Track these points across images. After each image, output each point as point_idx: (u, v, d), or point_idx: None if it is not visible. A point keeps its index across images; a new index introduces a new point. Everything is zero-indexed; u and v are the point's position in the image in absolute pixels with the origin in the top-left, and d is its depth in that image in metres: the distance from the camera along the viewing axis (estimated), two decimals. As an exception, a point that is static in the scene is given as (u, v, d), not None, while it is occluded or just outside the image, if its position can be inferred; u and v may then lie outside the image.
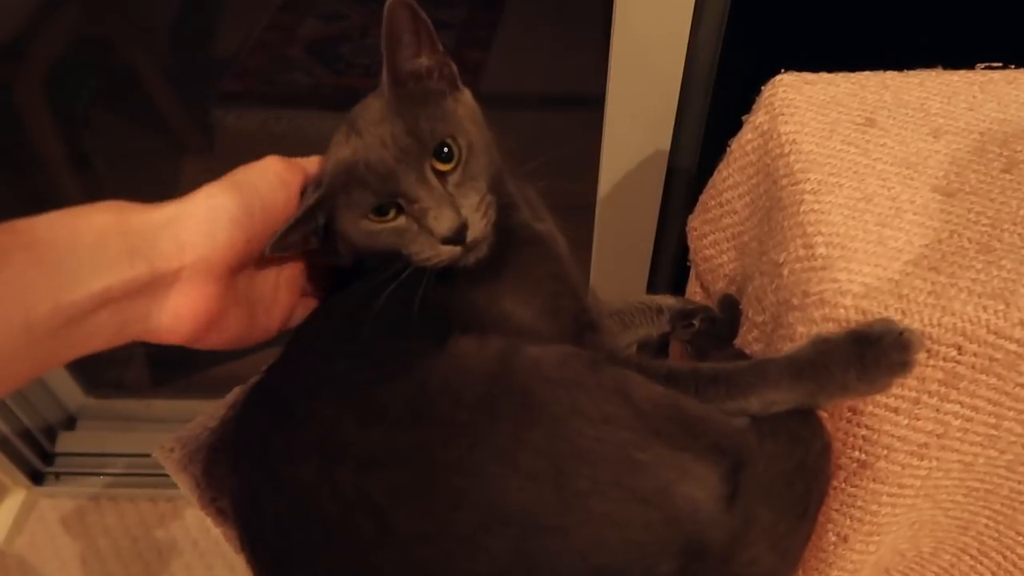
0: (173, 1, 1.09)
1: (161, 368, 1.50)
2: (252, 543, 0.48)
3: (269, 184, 0.50)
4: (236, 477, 0.50)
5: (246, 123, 1.22)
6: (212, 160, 1.26)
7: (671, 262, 0.96)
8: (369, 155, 0.50)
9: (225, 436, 0.55)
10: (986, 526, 0.61)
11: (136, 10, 1.08)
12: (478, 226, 0.51)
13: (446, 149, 0.51)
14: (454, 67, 0.55)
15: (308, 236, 0.53)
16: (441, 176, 0.50)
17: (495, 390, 0.46)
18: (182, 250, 0.45)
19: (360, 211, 0.51)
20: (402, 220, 0.51)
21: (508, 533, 0.41)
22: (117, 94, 1.18)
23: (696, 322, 0.68)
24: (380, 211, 0.51)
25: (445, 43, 0.54)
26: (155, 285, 0.44)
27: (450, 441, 0.44)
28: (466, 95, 0.56)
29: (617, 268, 0.95)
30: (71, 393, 1.47)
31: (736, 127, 0.67)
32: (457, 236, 0.50)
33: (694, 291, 0.76)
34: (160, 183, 1.24)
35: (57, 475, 1.43)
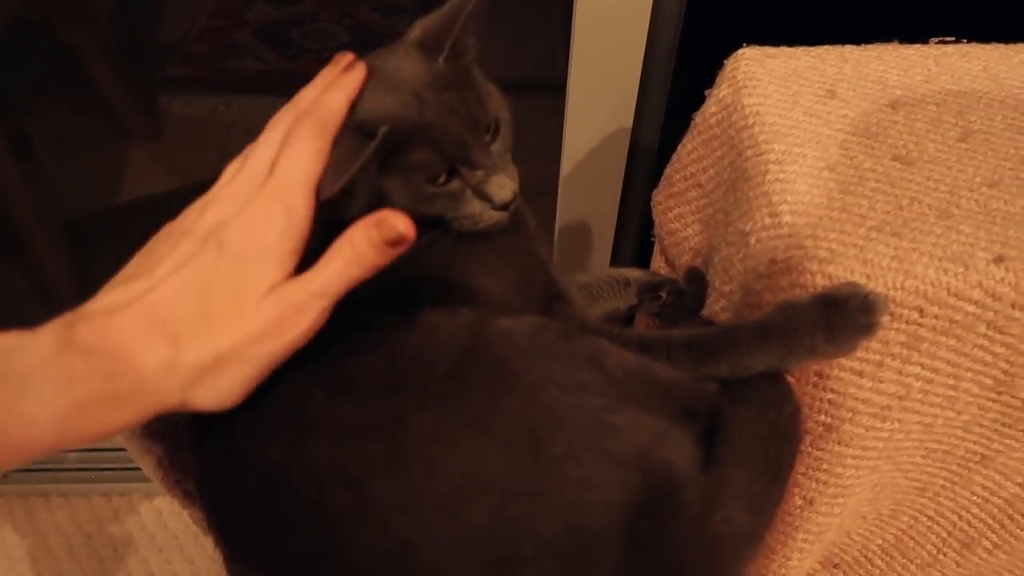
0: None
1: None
2: (220, 523, 0.47)
3: None
4: (201, 457, 0.48)
5: (194, 109, 1.19)
6: (159, 147, 1.23)
7: (635, 238, 0.97)
8: (439, 121, 0.49)
9: (189, 416, 0.54)
10: (943, 487, 0.63)
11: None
12: (518, 193, 0.53)
13: (491, 123, 0.52)
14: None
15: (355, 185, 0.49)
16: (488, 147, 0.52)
17: (468, 360, 0.45)
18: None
19: (423, 174, 0.49)
20: (456, 184, 0.51)
21: (485, 500, 0.41)
22: (59, 78, 1.14)
23: (663, 294, 0.69)
24: (437, 176, 0.50)
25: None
26: None
27: (424, 411, 0.43)
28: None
29: (581, 245, 0.96)
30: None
31: (697, 104, 0.67)
32: (511, 203, 0.52)
33: (659, 265, 0.77)
34: (106, 170, 1.20)
35: (3, 473, 1.38)
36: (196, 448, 0.49)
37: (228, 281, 0.42)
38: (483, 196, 0.51)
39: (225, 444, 0.46)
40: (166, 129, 1.20)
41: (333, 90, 0.48)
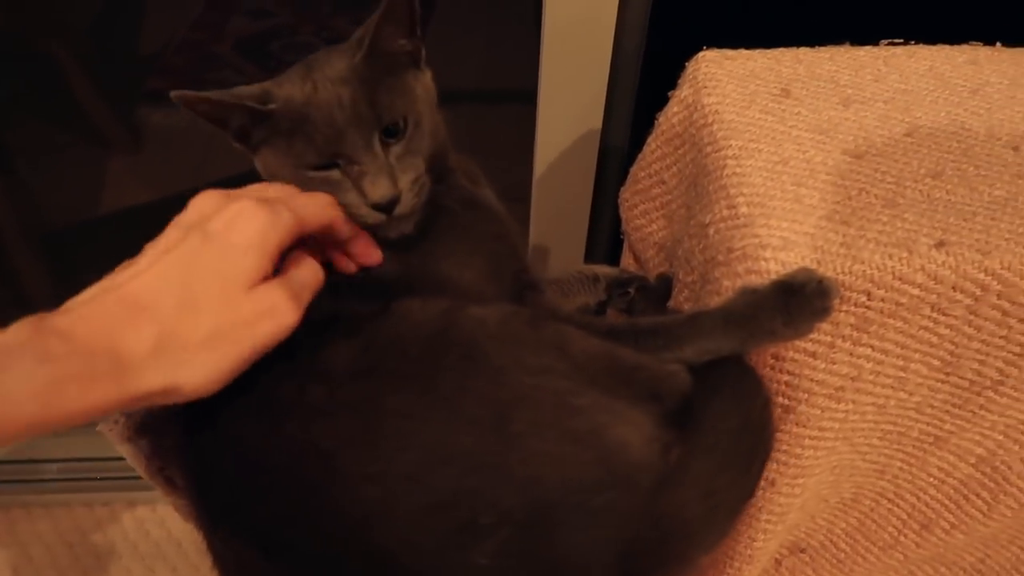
0: (94, -4, 1.07)
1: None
2: (202, 497, 0.49)
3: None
4: (183, 443, 0.50)
5: (174, 122, 1.20)
6: (138, 159, 1.24)
7: (607, 236, 1.00)
8: (321, 111, 0.51)
9: (174, 408, 0.56)
10: (900, 468, 0.66)
11: (54, 3, 1.05)
12: (408, 202, 0.53)
13: (395, 127, 0.53)
14: (423, 50, 0.57)
15: (222, 118, 0.53)
16: (385, 147, 0.52)
17: (440, 344, 0.47)
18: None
19: (298, 162, 0.52)
20: (337, 174, 0.52)
21: (449, 471, 0.43)
22: (38, 90, 1.14)
23: (631, 290, 0.71)
24: (314, 163, 0.52)
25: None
26: None
27: (396, 390, 0.46)
28: (426, 76, 0.57)
29: (555, 245, 0.98)
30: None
31: (663, 105, 0.70)
32: (388, 206, 0.52)
33: (628, 262, 0.79)
34: (85, 182, 1.21)
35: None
36: (181, 434, 0.51)
37: (213, 268, 0.44)
38: (360, 191, 0.52)
39: (208, 428, 0.48)
40: (145, 141, 1.21)
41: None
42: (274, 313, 0.45)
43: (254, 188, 0.51)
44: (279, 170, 0.53)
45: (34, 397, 0.38)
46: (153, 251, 0.45)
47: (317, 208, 0.49)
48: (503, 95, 1.08)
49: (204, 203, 0.47)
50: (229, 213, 0.45)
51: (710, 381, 0.52)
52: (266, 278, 0.46)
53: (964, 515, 0.68)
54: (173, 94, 0.50)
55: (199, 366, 0.43)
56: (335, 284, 0.52)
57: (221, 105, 0.52)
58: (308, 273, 0.49)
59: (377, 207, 0.52)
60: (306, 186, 0.52)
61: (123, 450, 0.51)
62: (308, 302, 0.48)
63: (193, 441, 0.50)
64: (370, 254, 0.54)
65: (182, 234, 0.44)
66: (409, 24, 0.54)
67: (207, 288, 0.43)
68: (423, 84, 0.56)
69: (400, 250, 0.55)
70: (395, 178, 0.52)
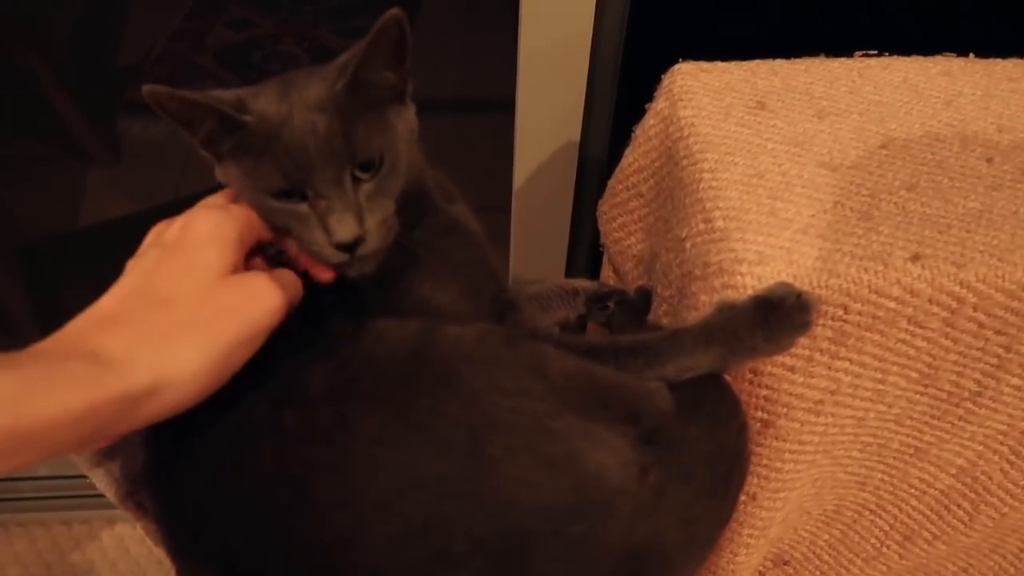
0: (71, 6, 1.06)
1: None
2: (170, 519, 0.48)
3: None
4: (153, 466, 0.49)
5: (153, 134, 1.19)
6: (118, 171, 1.23)
7: (587, 249, 0.99)
8: (294, 137, 0.48)
9: (144, 432, 0.55)
10: (882, 480, 0.65)
11: (29, 13, 1.04)
12: (373, 242, 0.50)
13: (370, 161, 0.50)
14: (410, 84, 0.54)
15: (191, 119, 0.50)
16: (356, 183, 0.50)
17: (415, 365, 0.47)
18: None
19: (263, 185, 0.49)
20: (304, 207, 0.49)
21: (422, 498, 0.43)
22: (15, 102, 1.13)
23: (611, 304, 0.71)
24: (285, 194, 0.49)
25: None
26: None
27: (369, 414, 0.45)
28: (409, 112, 0.55)
29: (535, 257, 0.98)
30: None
31: (641, 117, 0.70)
32: (351, 246, 0.49)
33: (607, 275, 0.79)
34: (64, 194, 1.20)
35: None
36: (151, 458, 0.50)
37: (178, 268, 0.44)
38: (324, 228, 0.49)
39: (179, 451, 0.47)
40: (125, 153, 1.20)
41: None
42: (258, 296, 0.44)
43: (201, 201, 0.50)
44: (242, 190, 0.51)
45: (6, 401, 0.36)
46: (117, 282, 0.44)
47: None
48: (482, 104, 1.07)
49: (156, 228, 0.47)
50: (180, 221, 0.46)
51: (687, 402, 0.52)
52: (238, 271, 0.46)
53: (946, 525, 0.68)
54: (145, 88, 0.48)
55: (184, 354, 0.41)
56: (310, 304, 0.51)
57: (193, 105, 0.49)
58: (289, 276, 0.49)
59: (341, 247, 0.49)
60: (268, 215, 0.50)
61: (93, 475, 0.50)
62: (292, 297, 0.47)
63: (163, 464, 0.49)
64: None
65: (139, 257, 0.44)
66: (397, 56, 0.50)
67: (176, 286, 0.43)
68: (405, 120, 0.54)
69: (383, 269, 0.53)
70: (362, 218, 0.49)
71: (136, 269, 0.44)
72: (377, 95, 0.51)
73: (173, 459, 0.48)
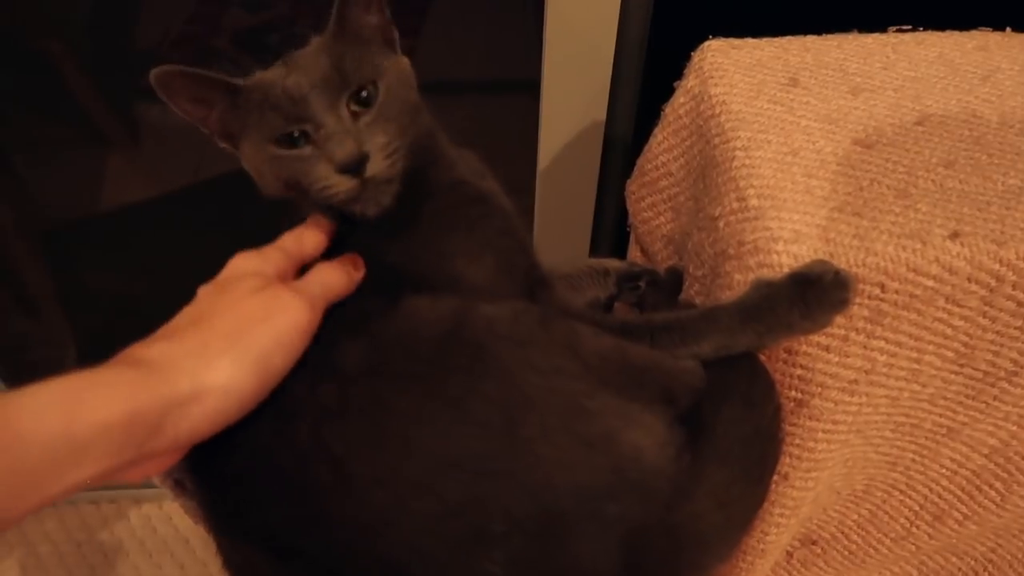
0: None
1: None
2: (211, 506, 0.48)
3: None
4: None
5: (171, 117, 1.19)
6: (137, 154, 1.23)
7: (612, 229, 0.99)
8: (287, 80, 0.51)
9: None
10: (913, 460, 0.65)
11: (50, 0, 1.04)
12: (379, 163, 0.51)
13: (365, 94, 0.52)
14: (396, 33, 0.56)
15: (200, 99, 0.53)
16: (355, 115, 0.51)
17: (449, 344, 0.47)
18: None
19: (267, 134, 0.51)
20: (308, 149, 0.51)
21: (458, 477, 0.43)
22: (35, 87, 1.14)
23: (641, 284, 0.70)
24: (289, 140, 0.51)
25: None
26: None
27: (405, 392, 0.45)
28: (402, 61, 0.56)
29: (559, 238, 0.97)
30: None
31: (669, 96, 0.69)
32: (355, 166, 0.50)
33: (635, 255, 0.79)
34: (83, 178, 1.20)
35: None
36: None
37: (211, 296, 0.47)
38: (327, 157, 0.50)
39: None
40: (143, 137, 1.20)
41: None
42: (283, 307, 0.46)
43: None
44: (257, 156, 0.53)
45: (52, 405, 0.38)
46: None
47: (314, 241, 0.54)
48: (507, 85, 1.07)
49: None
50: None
51: (722, 382, 0.51)
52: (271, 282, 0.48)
53: (977, 506, 0.68)
54: (152, 72, 0.50)
55: (218, 362, 0.43)
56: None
57: (199, 80, 0.52)
58: (317, 277, 0.50)
59: (344, 168, 0.50)
60: (280, 167, 0.52)
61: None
62: (323, 300, 0.49)
63: (202, 442, 0.49)
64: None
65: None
66: (375, 2, 0.54)
67: (213, 305, 0.46)
68: (397, 65, 0.55)
69: (410, 246, 0.54)
70: (361, 140, 0.51)
71: (185, 309, 0.47)
72: (364, 38, 0.54)
73: (210, 442, 0.48)
